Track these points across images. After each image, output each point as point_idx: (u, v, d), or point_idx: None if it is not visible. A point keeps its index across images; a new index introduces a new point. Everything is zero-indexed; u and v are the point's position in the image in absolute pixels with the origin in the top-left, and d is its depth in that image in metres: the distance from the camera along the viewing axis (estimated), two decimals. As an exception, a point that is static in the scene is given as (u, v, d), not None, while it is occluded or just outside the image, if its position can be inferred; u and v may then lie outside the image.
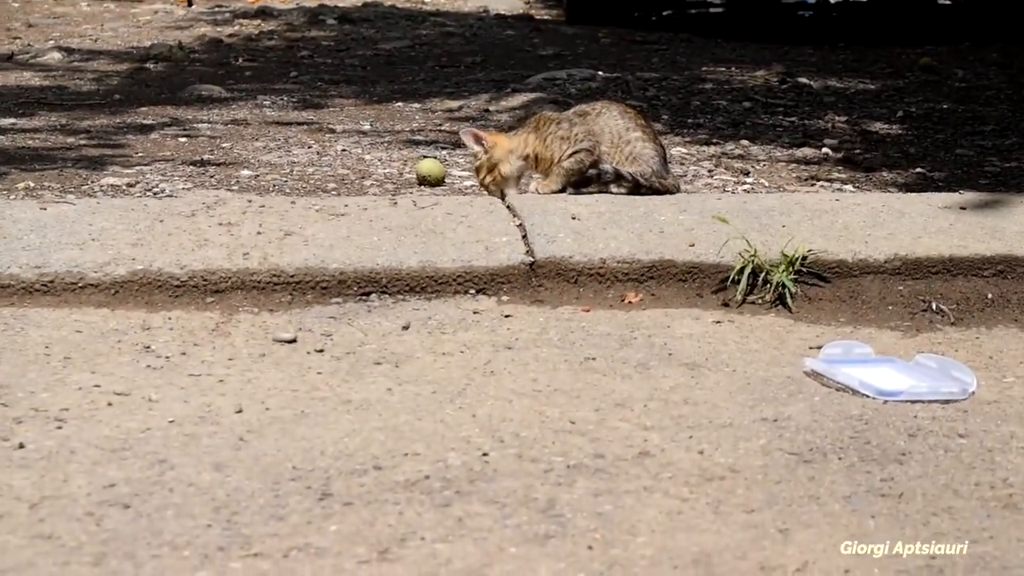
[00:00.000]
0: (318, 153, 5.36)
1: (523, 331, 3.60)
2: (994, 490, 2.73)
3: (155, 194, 4.56)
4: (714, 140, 5.73)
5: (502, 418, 3.02)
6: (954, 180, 5.08)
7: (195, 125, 5.93)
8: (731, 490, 2.70)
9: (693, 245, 3.92)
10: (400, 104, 6.62)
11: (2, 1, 11.25)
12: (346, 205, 4.14)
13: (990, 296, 3.91)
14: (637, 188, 4.34)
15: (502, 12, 10.97)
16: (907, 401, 3.19)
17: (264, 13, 10.43)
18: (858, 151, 5.59)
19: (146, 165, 5.05)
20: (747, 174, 5.08)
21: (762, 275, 3.84)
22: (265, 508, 2.56)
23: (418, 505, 2.59)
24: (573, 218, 4.05)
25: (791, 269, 3.84)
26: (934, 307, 3.86)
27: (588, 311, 3.76)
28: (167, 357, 3.36)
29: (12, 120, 5.98)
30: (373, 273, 3.77)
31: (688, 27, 9.95)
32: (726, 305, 3.82)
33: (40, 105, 6.43)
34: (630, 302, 3.82)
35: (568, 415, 3.05)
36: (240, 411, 3.02)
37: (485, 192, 4.48)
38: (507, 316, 3.69)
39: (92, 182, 4.73)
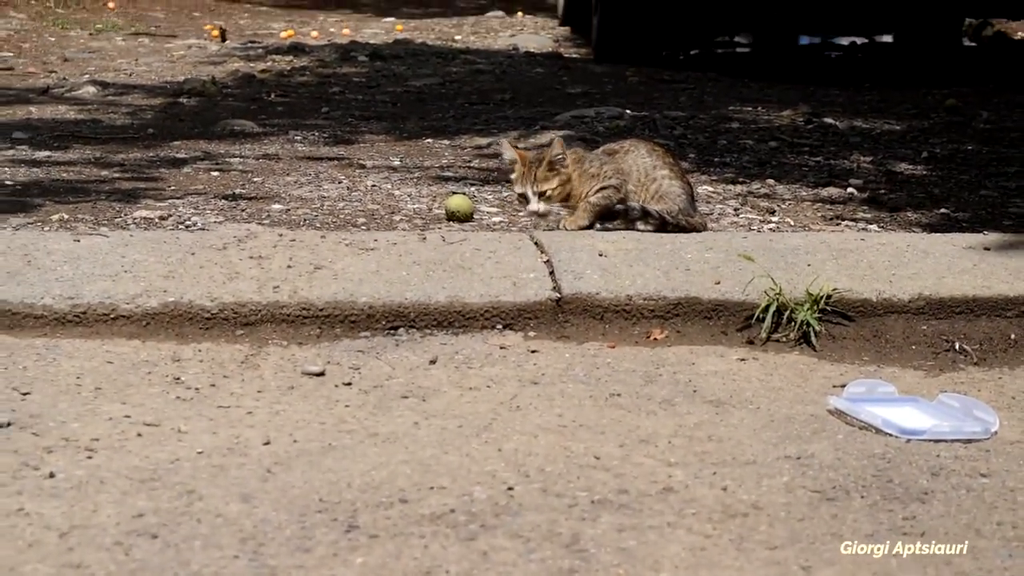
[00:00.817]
0: (348, 188, 5.40)
1: (549, 367, 3.62)
2: (1016, 530, 2.74)
3: (187, 227, 4.61)
4: (740, 179, 5.75)
5: (527, 453, 3.04)
6: (978, 221, 5.09)
7: (227, 159, 5.98)
8: (754, 527, 2.72)
9: (719, 283, 3.94)
10: (430, 140, 6.66)
11: (39, 35, 11.35)
12: (375, 240, 4.17)
13: (1013, 337, 3.92)
14: (664, 226, 4.36)
15: (532, 50, 11.01)
16: (930, 440, 3.20)
17: (296, 49, 10.49)
18: (883, 191, 5.60)
19: (178, 198, 5.10)
20: (773, 213, 5.10)
21: (787, 313, 3.86)
22: (291, 540, 2.58)
23: (443, 538, 2.61)
24: (600, 255, 4.07)
25: (816, 308, 3.86)
26: (957, 347, 3.87)
27: (614, 347, 3.78)
28: (197, 389, 3.39)
29: (47, 153, 6.03)
30: (401, 307, 3.80)
31: (715, 67, 9.97)
32: (751, 343, 3.84)
33: (75, 138, 6.49)
34: (656, 339, 3.84)
35: (593, 450, 3.07)
36: (268, 443, 3.05)
37: (527, 205, 4.43)
38: (533, 351, 3.71)
39: (125, 215, 4.78)
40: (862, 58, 11.04)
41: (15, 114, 7.22)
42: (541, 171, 4.37)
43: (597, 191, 4.37)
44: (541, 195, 4.39)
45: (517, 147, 4.67)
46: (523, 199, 4.45)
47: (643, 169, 4.39)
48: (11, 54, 10.08)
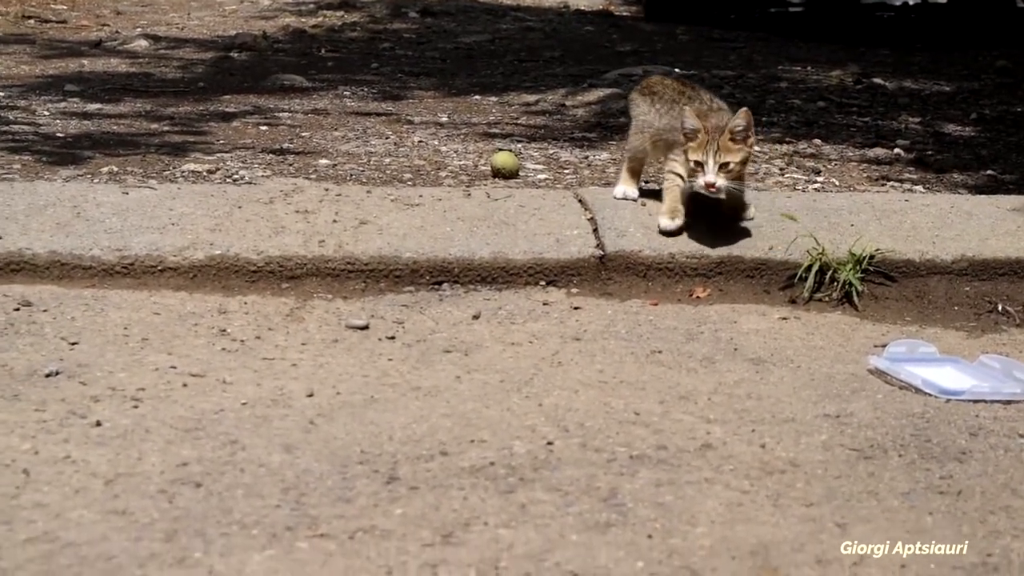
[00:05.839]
0: (395, 144, 5.42)
1: (591, 323, 3.64)
2: (1052, 490, 2.75)
3: (235, 181, 4.63)
4: (787, 139, 5.74)
5: (568, 408, 3.07)
6: (1025, 183, 5.08)
7: (276, 114, 6.00)
8: (791, 484, 2.73)
9: (762, 242, 3.94)
10: (478, 97, 6.67)
11: (90, -12, 11.39)
12: (421, 196, 4.20)
13: (1056, 299, 3.91)
14: None
15: (582, 8, 10.99)
16: (969, 400, 3.21)
17: (347, 4, 10.49)
18: (930, 152, 5.58)
19: (227, 152, 5.13)
20: (818, 173, 5.09)
21: (829, 273, 3.87)
22: (333, 490, 2.62)
23: (482, 491, 2.64)
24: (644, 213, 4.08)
25: (858, 268, 3.87)
26: (1000, 308, 3.87)
27: (656, 305, 3.80)
28: (242, 341, 3.43)
29: (99, 105, 6.07)
30: (445, 263, 3.83)
31: (766, 26, 9.93)
32: (793, 302, 3.85)
33: (126, 91, 6.52)
34: (698, 297, 3.85)
35: (633, 406, 3.09)
36: (311, 395, 3.08)
37: (702, 176, 3.89)
38: (576, 308, 3.74)
39: (174, 168, 4.81)
40: (914, 19, 10.96)
41: (68, 67, 7.26)
42: (724, 139, 3.87)
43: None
44: (723, 166, 3.88)
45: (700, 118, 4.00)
46: (698, 167, 3.89)
47: None
48: (64, 7, 10.13)
